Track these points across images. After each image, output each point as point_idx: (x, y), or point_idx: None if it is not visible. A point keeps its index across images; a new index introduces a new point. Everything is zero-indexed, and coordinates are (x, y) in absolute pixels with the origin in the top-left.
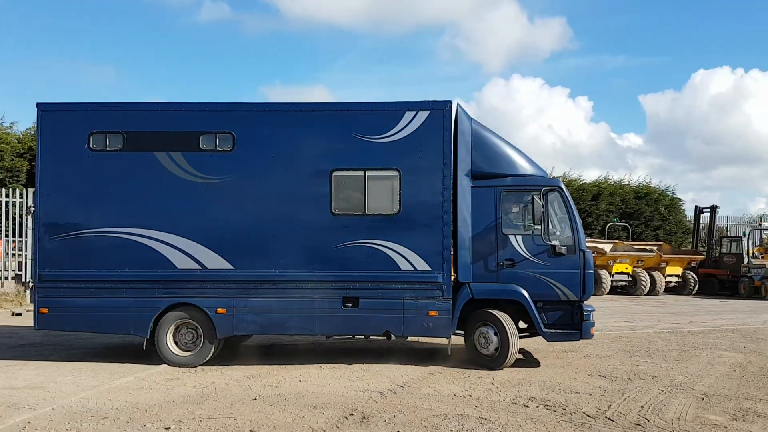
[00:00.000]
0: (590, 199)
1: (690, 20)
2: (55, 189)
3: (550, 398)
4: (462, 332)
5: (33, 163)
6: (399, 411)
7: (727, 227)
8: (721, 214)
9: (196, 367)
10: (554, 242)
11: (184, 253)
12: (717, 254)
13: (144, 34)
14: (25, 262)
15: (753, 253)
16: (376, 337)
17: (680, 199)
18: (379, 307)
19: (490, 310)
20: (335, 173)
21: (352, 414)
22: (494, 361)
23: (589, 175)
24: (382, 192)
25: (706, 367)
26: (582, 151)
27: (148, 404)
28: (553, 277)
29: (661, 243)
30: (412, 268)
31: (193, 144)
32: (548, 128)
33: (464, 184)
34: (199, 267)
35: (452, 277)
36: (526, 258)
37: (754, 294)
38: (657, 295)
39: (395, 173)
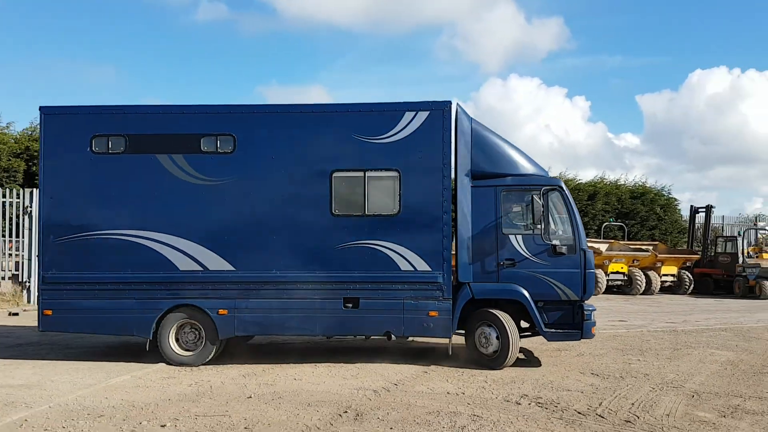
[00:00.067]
0: (586, 198)
1: (687, 20)
2: (58, 192)
3: (542, 396)
4: (462, 332)
5: (30, 164)
6: (392, 408)
7: (722, 227)
8: (717, 213)
9: (198, 366)
10: (555, 242)
11: (185, 254)
12: (712, 254)
13: (142, 34)
14: (22, 262)
15: (748, 252)
16: (371, 336)
17: (676, 199)
18: (380, 307)
19: (491, 310)
20: (335, 174)
21: (346, 411)
22: (495, 361)
23: (586, 174)
24: (382, 192)
25: (698, 365)
26: (579, 150)
27: (144, 402)
28: (554, 277)
29: (656, 243)
30: (412, 269)
31: (194, 146)
32: (545, 128)
33: (464, 184)
34: (201, 268)
35: (452, 277)
36: (527, 258)
37: (749, 293)
38: (652, 294)
39: (395, 174)
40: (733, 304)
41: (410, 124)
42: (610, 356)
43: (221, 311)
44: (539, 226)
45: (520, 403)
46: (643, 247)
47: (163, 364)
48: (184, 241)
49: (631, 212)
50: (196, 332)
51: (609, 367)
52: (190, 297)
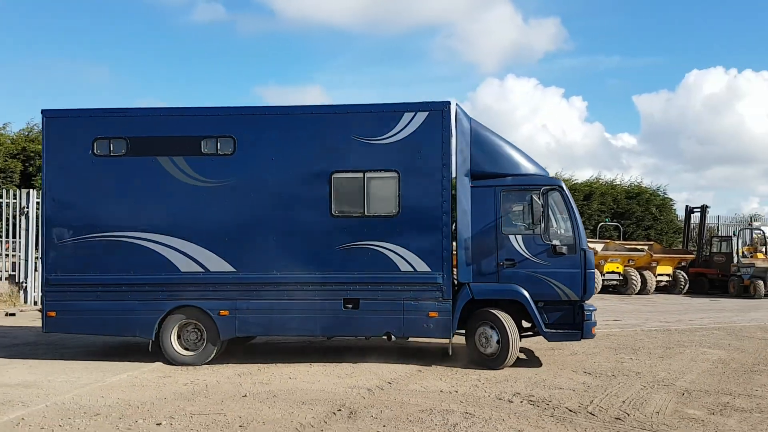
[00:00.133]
0: (582, 198)
1: (684, 21)
2: (61, 195)
3: (534, 394)
4: (463, 332)
5: (26, 164)
6: (386, 406)
7: (717, 227)
8: (713, 213)
9: (200, 365)
10: (555, 242)
11: (186, 256)
12: (707, 254)
13: (140, 35)
14: (19, 263)
15: (743, 252)
16: (371, 337)
17: (671, 199)
18: (380, 308)
19: (491, 310)
20: (335, 175)
21: (340, 410)
22: (495, 361)
23: (583, 175)
24: (381, 193)
25: (689, 363)
26: (576, 151)
27: (140, 401)
28: (554, 277)
29: (652, 242)
30: (412, 269)
31: (194, 148)
32: (542, 128)
33: (464, 184)
34: (202, 270)
35: (452, 278)
36: (527, 258)
37: (744, 293)
38: (648, 294)
39: (395, 174)
40: (727, 304)
41: (409, 124)
42: (603, 355)
43: (222, 312)
44: (539, 226)
45: (512, 401)
46: (639, 247)
47: (160, 364)
48: (185, 243)
49: (627, 212)
50: (198, 333)
51: (601, 365)
52: (192, 298)
